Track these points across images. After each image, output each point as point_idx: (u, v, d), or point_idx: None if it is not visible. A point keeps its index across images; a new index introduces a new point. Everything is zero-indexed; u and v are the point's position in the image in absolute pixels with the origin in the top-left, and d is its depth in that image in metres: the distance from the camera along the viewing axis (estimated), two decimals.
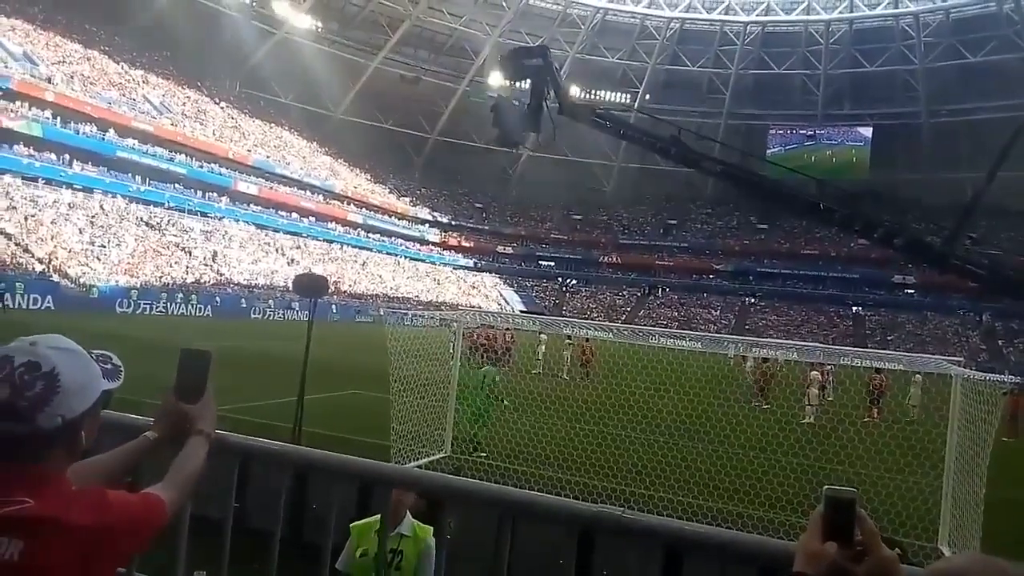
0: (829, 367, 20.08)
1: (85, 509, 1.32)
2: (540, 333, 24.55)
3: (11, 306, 29.32)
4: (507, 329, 22.92)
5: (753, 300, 74.51)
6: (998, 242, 54.66)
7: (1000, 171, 17.83)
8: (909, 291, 69.40)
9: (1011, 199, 57.54)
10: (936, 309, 66.18)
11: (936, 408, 8.81)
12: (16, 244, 34.81)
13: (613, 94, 77.56)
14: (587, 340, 23.18)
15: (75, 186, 43.66)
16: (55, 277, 34.06)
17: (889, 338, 63.57)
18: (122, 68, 56.16)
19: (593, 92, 73.54)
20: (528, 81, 14.95)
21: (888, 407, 18.87)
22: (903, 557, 2.53)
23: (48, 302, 31.49)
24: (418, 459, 9.69)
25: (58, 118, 44.67)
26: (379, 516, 3.57)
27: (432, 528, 3.63)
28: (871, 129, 76.65)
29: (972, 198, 18.30)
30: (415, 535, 3.57)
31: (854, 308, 70.30)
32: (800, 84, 78.62)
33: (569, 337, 24.09)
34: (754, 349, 22.30)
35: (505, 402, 11.73)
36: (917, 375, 18.78)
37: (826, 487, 1.34)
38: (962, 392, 8.33)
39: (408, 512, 3.52)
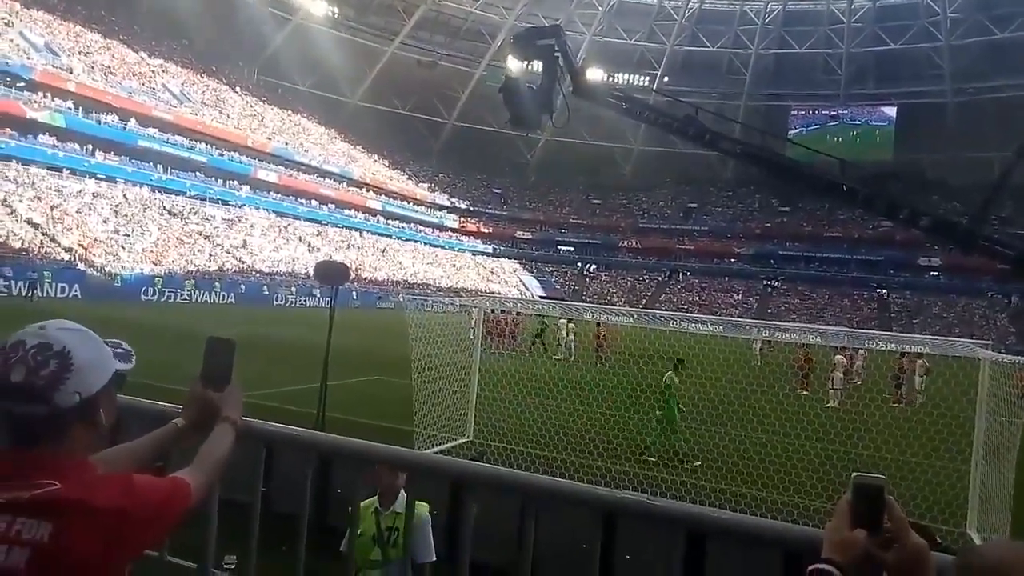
0: (861, 351, 19.83)
1: (112, 493, 1.33)
2: (569, 321, 24.35)
3: (40, 295, 29.93)
4: (513, 313, 23.15)
5: (775, 284, 73.80)
6: None
7: None
8: (935, 273, 68.29)
9: None
10: (962, 292, 65.09)
11: (963, 392, 8.68)
12: (44, 234, 35.37)
13: (631, 76, 76.76)
14: (599, 325, 23.18)
15: (98, 175, 44.21)
16: (81, 266, 34.59)
17: (915, 321, 62.73)
18: (141, 57, 56.60)
19: (611, 75, 72.82)
20: (541, 63, 14.77)
21: (912, 392, 18.64)
22: (937, 544, 2.49)
23: (75, 291, 32.02)
24: (441, 444, 9.75)
25: (80, 108, 45.16)
26: (375, 497, 3.65)
27: (427, 504, 3.70)
28: (895, 108, 75.15)
29: (1000, 177, 17.91)
30: (409, 510, 3.62)
31: (879, 291, 69.38)
32: (822, 63, 77.22)
33: (570, 320, 24.16)
34: (762, 332, 22.07)
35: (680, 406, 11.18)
36: (921, 360, 18.53)
37: (855, 474, 1.33)
38: (991, 375, 8.20)
39: (403, 490, 3.57)
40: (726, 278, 75.95)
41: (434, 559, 3.63)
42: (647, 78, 77.63)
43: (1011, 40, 63.83)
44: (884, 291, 69.17)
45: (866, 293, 69.80)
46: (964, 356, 10.07)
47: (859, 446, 10.11)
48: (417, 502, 3.69)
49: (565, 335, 24.42)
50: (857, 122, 77.83)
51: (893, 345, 19.70)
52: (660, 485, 8.70)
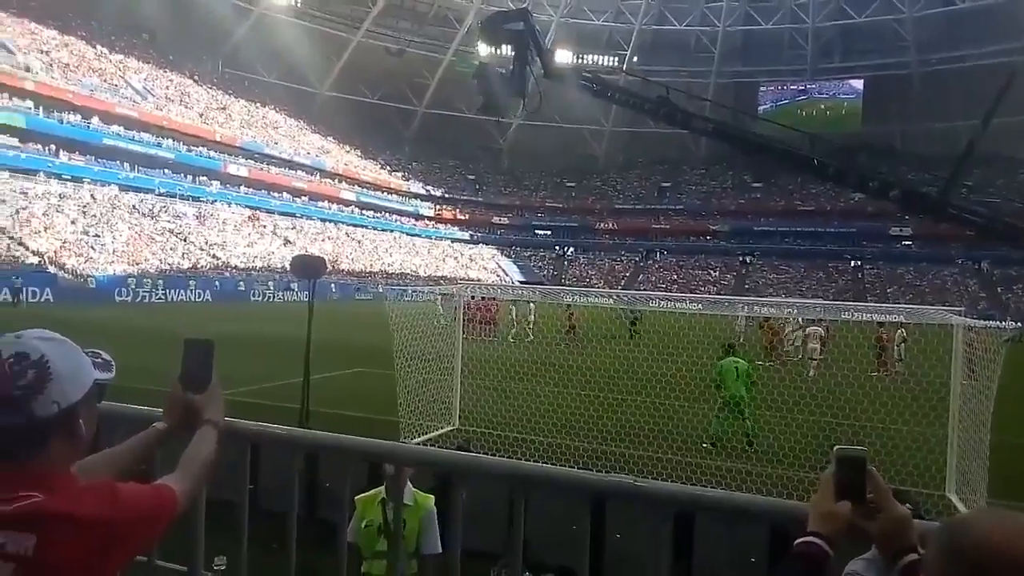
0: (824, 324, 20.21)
1: (95, 502, 1.32)
2: (529, 303, 25.00)
3: (26, 301, 29.69)
4: (489, 299, 23.43)
5: (751, 259, 74.56)
6: (994, 190, 54.50)
7: (994, 118, 17.70)
8: (907, 243, 69.47)
9: (1005, 145, 57.30)
10: (934, 260, 66.31)
11: (939, 359, 8.86)
12: (10, 238, 34.62)
13: (601, 57, 76.68)
14: (569, 306, 23.90)
15: (64, 176, 43.32)
16: (52, 269, 33.94)
17: (889, 290, 63.82)
18: (101, 53, 55.35)
19: (580, 56, 72.63)
20: (511, 47, 14.69)
21: (890, 361, 18.99)
22: (915, 511, 2.54)
23: (47, 295, 31.44)
24: (427, 433, 9.75)
25: (40, 108, 44.13)
26: (382, 488, 3.71)
27: (432, 497, 3.77)
28: (862, 81, 75.98)
29: (967, 146, 18.19)
30: (416, 503, 3.69)
31: (852, 262, 70.41)
32: (789, 39, 77.70)
33: (514, 303, 25.02)
34: (743, 308, 22.35)
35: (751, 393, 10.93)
36: (901, 329, 18.93)
37: (836, 447, 1.36)
38: (964, 341, 8.37)
39: (408, 482, 3.59)
40: (703, 256, 76.60)
41: (440, 551, 3.65)
42: (616, 59, 77.61)
43: (972, 9, 64.72)
44: (858, 262, 70.21)
45: (840, 265, 70.83)
46: (938, 323, 10.27)
47: (839, 416, 10.28)
48: (423, 495, 3.74)
49: (532, 318, 25.02)
50: (825, 96, 78.58)
51: (869, 316, 20.03)
52: (647, 464, 8.79)
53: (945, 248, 64.24)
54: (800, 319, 21.23)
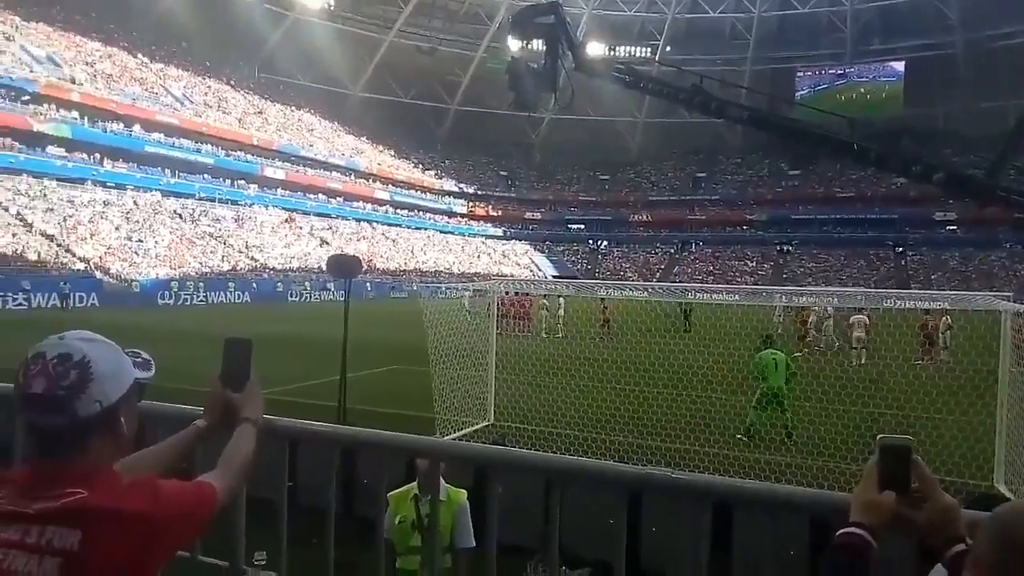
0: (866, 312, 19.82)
1: (138, 498, 1.35)
2: (559, 297, 24.88)
3: (73, 305, 30.69)
4: (523, 295, 23.53)
5: (790, 248, 73.16)
6: None
7: None
8: (952, 228, 67.38)
9: None
10: (980, 245, 64.22)
11: (986, 346, 8.60)
12: (58, 245, 35.75)
13: (633, 48, 75.81)
14: (603, 300, 23.68)
15: (108, 184, 44.56)
16: (97, 274, 34.96)
17: (933, 277, 62.07)
18: (142, 62, 56.72)
19: (612, 48, 72.00)
20: (542, 41, 14.62)
21: (936, 349, 18.51)
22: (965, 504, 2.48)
23: (93, 299, 32.39)
24: (462, 429, 9.81)
25: (85, 118, 45.40)
26: (415, 484, 3.73)
27: (464, 492, 3.81)
28: (903, 63, 73.78)
29: (1016, 124, 17.54)
30: (448, 498, 3.70)
31: (895, 249, 68.60)
32: (827, 22, 75.82)
33: (545, 297, 24.80)
34: (781, 298, 22.01)
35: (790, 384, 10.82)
36: (946, 317, 18.42)
37: (880, 436, 1.33)
38: (1013, 327, 8.10)
39: (441, 477, 3.62)
40: (739, 246, 75.41)
41: (474, 545, 3.70)
42: (649, 49, 76.67)
43: None
44: (901, 249, 68.39)
45: (882, 252, 69.07)
46: (985, 309, 9.95)
47: (882, 405, 10.05)
48: (456, 489, 3.78)
49: (562, 313, 24.85)
50: (865, 80, 76.61)
51: (912, 303, 19.53)
52: (684, 456, 8.71)
53: (992, 232, 62.18)
54: (827, 308, 20.86)
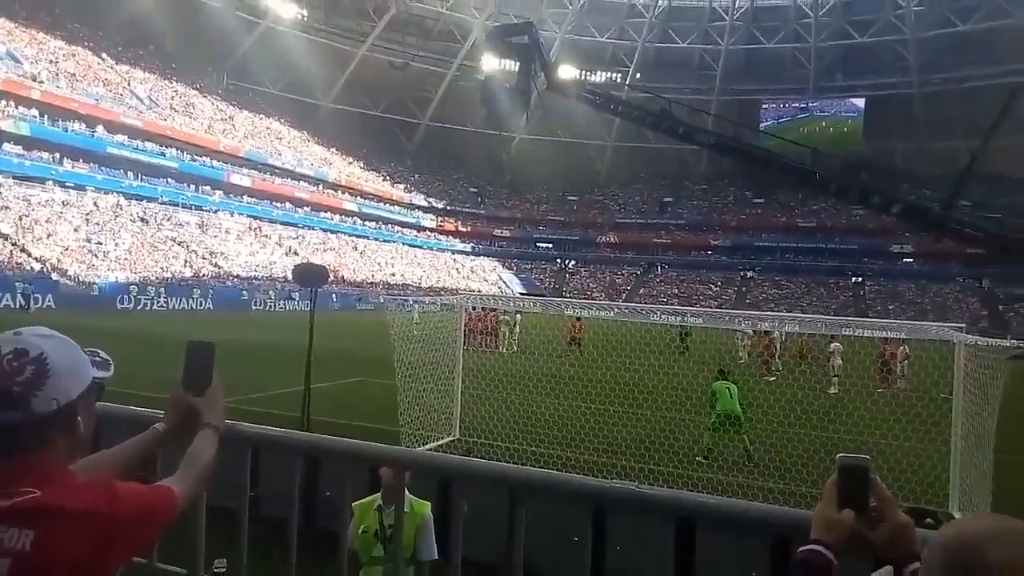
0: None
1: (93, 498, 1.31)
2: (516, 313, 24.84)
3: (35, 307, 29.85)
4: (490, 310, 23.48)
5: (752, 274, 74.54)
6: (995, 208, 54.65)
7: (994, 138, 17.79)
8: (908, 260, 69.45)
9: (1007, 166, 57.43)
10: (935, 277, 66.27)
11: (941, 375, 8.84)
12: (13, 244, 34.70)
13: (604, 74, 77.07)
14: (578, 319, 23.57)
15: (67, 184, 43.45)
16: (54, 276, 33.99)
17: (890, 307, 63.71)
18: (107, 63, 55.68)
19: (584, 72, 73.05)
20: (515, 61, 14.77)
21: (893, 377, 18.94)
22: (936, 524, 2.53)
23: (49, 301, 31.44)
24: (427, 443, 9.72)
25: (46, 116, 44.33)
26: (379, 494, 3.74)
27: (428, 504, 3.83)
28: (864, 100, 76.27)
29: (968, 162, 18.22)
30: (412, 510, 3.70)
31: (854, 279, 70.36)
32: (791, 58, 78.10)
33: (506, 313, 24.79)
34: (744, 323, 22.39)
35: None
36: (903, 346, 18.90)
37: (839, 455, 1.35)
38: (966, 358, 8.34)
39: (406, 489, 3.61)
40: (703, 270, 76.58)
41: (436, 557, 3.72)
42: (619, 75, 78.00)
43: (974, 32, 65.08)
44: (859, 278, 70.17)
45: (841, 281, 70.77)
46: (939, 340, 10.24)
47: (841, 431, 10.24)
48: (420, 501, 3.78)
49: (518, 329, 24.75)
50: (827, 114, 78.82)
51: (871, 332, 20.00)
52: (648, 476, 8.74)
53: (946, 265, 64.21)
54: (781, 334, 21.31)
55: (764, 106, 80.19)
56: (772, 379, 17.84)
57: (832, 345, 19.17)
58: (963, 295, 64.43)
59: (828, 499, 1.32)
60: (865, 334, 20.49)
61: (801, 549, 1.28)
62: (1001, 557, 0.93)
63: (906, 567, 1.26)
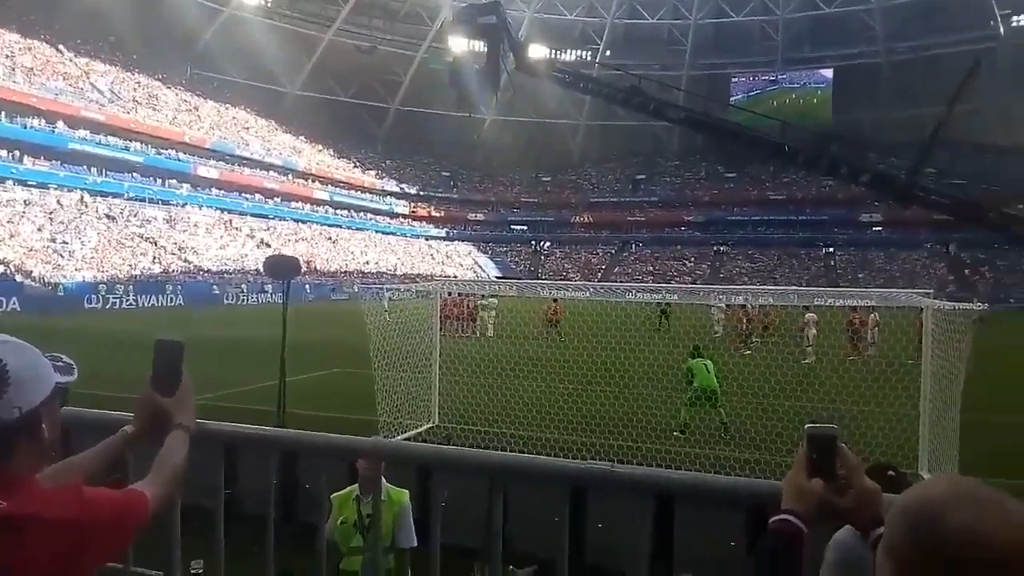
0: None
1: (62, 506, 1.29)
2: (490, 297, 24.77)
3: None
4: (466, 296, 23.47)
5: (726, 248, 75.20)
6: (960, 175, 55.59)
7: (958, 105, 18.06)
8: (877, 228, 70.49)
9: (971, 132, 58.36)
10: (903, 245, 67.40)
11: (909, 340, 9.02)
12: None
13: (574, 52, 76.68)
14: (555, 301, 23.62)
15: (29, 183, 42.40)
16: (18, 277, 33.24)
17: (860, 276, 64.77)
18: (66, 56, 54.20)
19: (554, 51, 72.62)
20: (484, 43, 14.66)
21: (863, 344, 19.29)
22: (893, 477, 2.60)
23: (13, 303, 30.78)
24: (406, 431, 9.72)
25: (3, 113, 43.12)
26: (356, 486, 3.78)
27: (406, 492, 3.86)
28: (831, 71, 76.91)
29: (931, 132, 18.51)
30: (389, 498, 3.75)
31: (824, 249, 71.33)
32: (759, 30, 78.42)
33: (483, 297, 24.75)
34: (720, 297, 22.59)
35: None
36: (874, 314, 19.21)
37: (807, 425, 1.37)
38: (933, 322, 8.53)
39: (383, 477, 3.64)
40: (678, 246, 77.06)
41: (415, 544, 3.77)
42: (589, 53, 77.66)
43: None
44: (830, 249, 71.17)
45: (813, 252, 71.69)
46: (908, 306, 10.44)
47: (815, 399, 10.43)
48: (397, 490, 3.81)
49: (494, 313, 24.68)
50: (796, 86, 79.37)
51: (842, 301, 20.32)
52: (628, 453, 8.85)
53: (914, 233, 65.29)
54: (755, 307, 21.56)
55: (734, 80, 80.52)
56: (748, 352, 18.09)
57: (807, 316, 19.42)
58: (931, 261, 65.67)
59: (798, 468, 1.35)
60: (837, 303, 20.79)
61: (772, 519, 1.31)
62: (961, 520, 0.94)
63: (873, 531, 1.29)
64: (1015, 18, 64.63)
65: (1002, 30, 65.09)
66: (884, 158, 53.23)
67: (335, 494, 3.82)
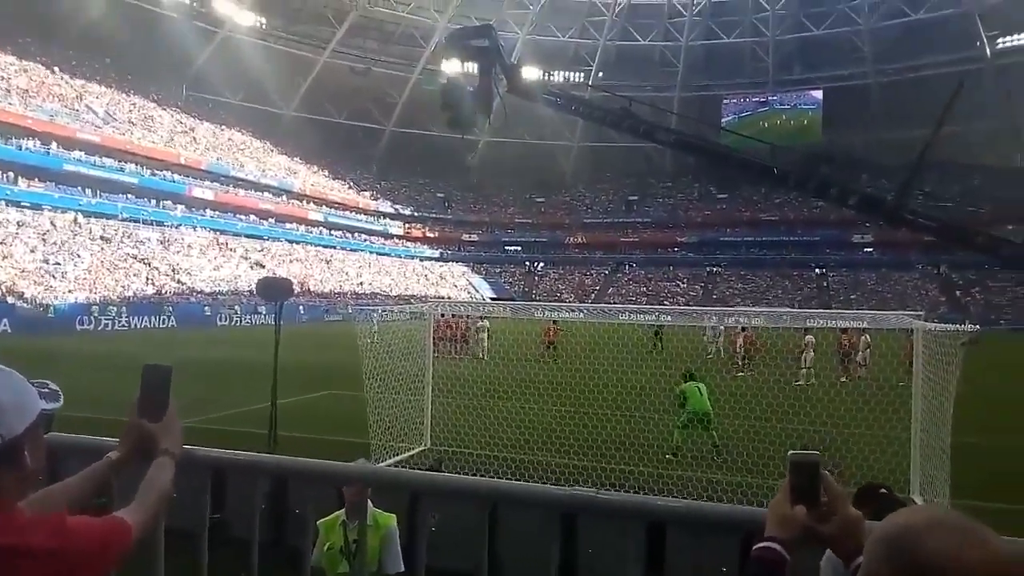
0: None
1: (44, 535, 1.29)
2: (482, 319, 24.60)
3: None
4: (460, 317, 23.41)
5: (719, 270, 75.46)
6: (949, 196, 56.17)
7: (945, 126, 18.26)
8: (868, 249, 70.90)
9: (959, 154, 59.05)
10: (895, 266, 67.80)
11: (900, 363, 9.04)
12: None
13: (567, 73, 77.53)
14: (554, 322, 23.52)
15: (23, 204, 42.32)
16: (9, 299, 33.05)
17: (852, 297, 65.02)
18: (61, 78, 54.40)
19: (547, 73, 73.40)
20: (475, 64, 14.77)
21: (854, 366, 19.32)
22: (894, 498, 2.60)
23: (4, 325, 30.59)
24: (398, 454, 9.67)
25: None
26: (342, 511, 3.75)
27: (393, 516, 3.82)
28: (821, 92, 77.83)
29: (919, 154, 18.70)
30: (376, 523, 3.73)
31: (817, 270, 71.63)
32: (750, 52, 79.43)
33: (482, 319, 24.62)
34: (713, 318, 22.68)
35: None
36: (864, 336, 19.27)
37: (790, 452, 1.37)
38: (924, 344, 8.56)
39: (369, 502, 3.62)
40: (671, 267, 77.34)
41: (402, 570, 3.72)
42: (582, 75, 78.47)
43: (927, 20, 66.90)
44: (822, 270, 71.47)
45: (805, 273, 72.00)
46: (899, 328, 10.48)
47: (806, 422, 10.43)
48: (384, 514, 3.78)
49: (486, 336, 24.47)
50: (786, 107, 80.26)
51: (833, 322, 20.39)
52: (619, 476, 8.81)
53: (905, 254, 65.73)
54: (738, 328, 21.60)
55: (725, 101, 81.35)
56: (741, 374, 18.11)
57: (806, 338, 19.49)
58: (922, 282, 66.03)
59: (782, 495, 1.34)
60: (830, 324, 20.87)
61: (756, 547, 1.31)
62: (938, 547, 0.96)
63: (855, 559, 1.30)
64: (1000, 40, 65.74)
65: (988, 51, 66.15)
66: (875, 179, 53.72)
67: (321, 520, 3.79)
